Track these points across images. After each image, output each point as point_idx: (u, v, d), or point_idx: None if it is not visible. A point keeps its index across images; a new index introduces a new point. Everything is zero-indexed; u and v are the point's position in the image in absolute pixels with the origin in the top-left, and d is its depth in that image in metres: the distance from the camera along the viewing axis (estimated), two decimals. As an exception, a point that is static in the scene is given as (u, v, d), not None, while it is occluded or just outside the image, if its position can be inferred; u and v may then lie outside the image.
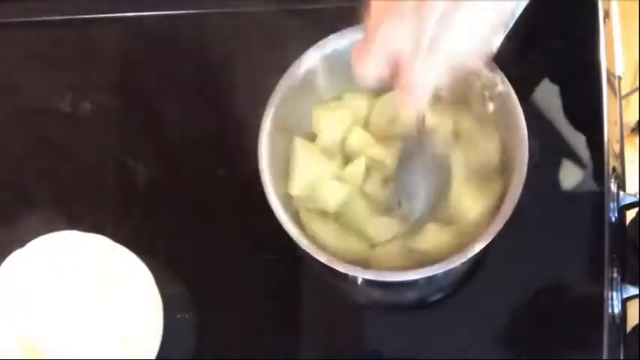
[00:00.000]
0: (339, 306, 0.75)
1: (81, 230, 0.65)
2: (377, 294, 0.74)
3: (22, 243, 0.64)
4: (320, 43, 0.70)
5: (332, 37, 0.70)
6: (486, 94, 0.70)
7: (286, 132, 0.71)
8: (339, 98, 0.73)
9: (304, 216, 0.70)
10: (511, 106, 0.67)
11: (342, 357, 0.74)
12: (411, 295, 0.74)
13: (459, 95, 0.71)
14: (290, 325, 0.75)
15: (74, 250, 0.65)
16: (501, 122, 0.69)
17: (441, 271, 0.64)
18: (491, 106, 0.71)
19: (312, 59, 0.70)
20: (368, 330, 0.75)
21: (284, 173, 0.70)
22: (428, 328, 0.74)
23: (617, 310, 0.72)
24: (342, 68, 0.70)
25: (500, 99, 0.68)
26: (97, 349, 0.64)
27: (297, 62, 0.69)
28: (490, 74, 0.68)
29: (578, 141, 0.77)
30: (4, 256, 0.64)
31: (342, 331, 0.75)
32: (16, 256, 0.64)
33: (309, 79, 0.70)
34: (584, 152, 0.76)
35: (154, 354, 0.63)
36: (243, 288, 0.75)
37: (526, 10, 0.63)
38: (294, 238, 0.65)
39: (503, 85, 0.68)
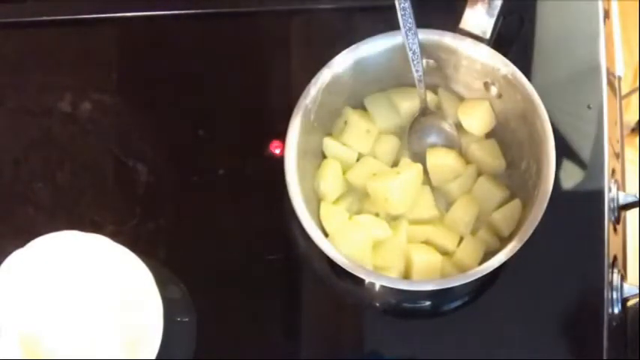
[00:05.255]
0: (339, 306, 0.75)
1: (81, 230, 0.65)
2: (377, 294, 0.74)
3: (22, 243, 0.64)
4: (349, 49, 0.70)
5: (361, 43, 0.70)
6: (488, 80, 0.70)
7: (316, 132, 0.72)
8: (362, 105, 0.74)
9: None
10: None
11: (342, 357, 0.74)
12: (411, 296, 0.74)
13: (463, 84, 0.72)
14: (290, 325, 0.75)
15: (74, 250, 0.65)
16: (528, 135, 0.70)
17: (457, 284, 0.65)
18: (494, 90, 0.71)
19: (341, 63, 0.70)
20: (368, 330, 0.75)
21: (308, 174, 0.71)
22: (428, 328, 0.74)
23: (617, 310, 0.72)
24: (367, 74, 0.71)
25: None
26: (97, 350, 0.64)
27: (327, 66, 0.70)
28: (488, 59, 0.69)
29: (578, 141, 0.77)
30: (4, 256, 0.64)
31: (342, 331, 0.75)
32: (16, 256, 0.64)
33: (338, 82, 0.71)
34: (584, 152, 0.76)
35: (153, 354, 0.63)
36: (243, 288, 0.75)
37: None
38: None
39: (507, 67, 0.68)
